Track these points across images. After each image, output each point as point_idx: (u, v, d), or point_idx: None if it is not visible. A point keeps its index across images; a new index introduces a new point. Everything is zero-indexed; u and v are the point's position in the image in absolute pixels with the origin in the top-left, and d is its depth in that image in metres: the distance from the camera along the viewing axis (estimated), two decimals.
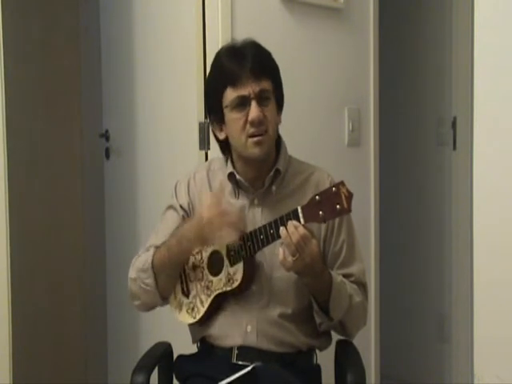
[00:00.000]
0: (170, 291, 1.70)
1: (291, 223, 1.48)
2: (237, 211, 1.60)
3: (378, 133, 2.76)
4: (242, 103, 1.61)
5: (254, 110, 1.60)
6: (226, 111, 1.64)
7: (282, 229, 1.49)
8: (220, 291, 1.63)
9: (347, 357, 1.73)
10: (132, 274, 1.71)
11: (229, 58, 1.64)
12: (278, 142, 1.72)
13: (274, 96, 1.66)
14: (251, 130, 1.61)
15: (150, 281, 1.66)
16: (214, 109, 1.68)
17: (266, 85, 1.62)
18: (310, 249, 1.49)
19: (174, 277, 1.69)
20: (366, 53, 2.69)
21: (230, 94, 1.61)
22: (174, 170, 2.33)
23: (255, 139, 1.62)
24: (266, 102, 1.63)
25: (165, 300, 1.71)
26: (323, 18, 2.54)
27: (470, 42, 2.71)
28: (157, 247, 1.69)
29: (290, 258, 1.49)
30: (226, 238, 1.58)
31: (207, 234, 1.58)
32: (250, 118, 1.60)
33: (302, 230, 1.47)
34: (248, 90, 1.60)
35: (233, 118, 1.63)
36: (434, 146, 3.22)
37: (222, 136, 1.69)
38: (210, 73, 1.73)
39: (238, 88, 1.60)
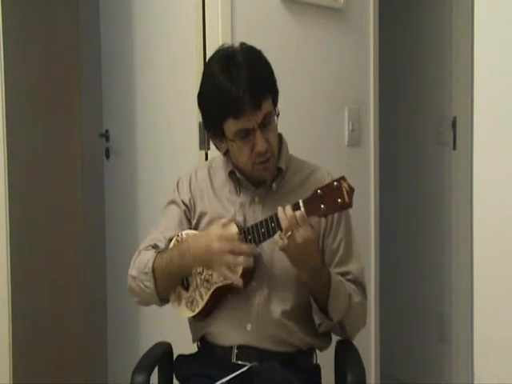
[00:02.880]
0: (169, 294, 1.70)
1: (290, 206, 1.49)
2: (248, 252, 1.53)
3: (377, 133, 2.76)
4: (246, 134, 1.58)
5: (260, 143, 1.57)
6: (229, 140, 1.61)
7: (280, 208, 1.49)
8: (220, 284, 1.62)
9: (347, 357, 1.73)
10: (132, 271, 1.70)
11: (225, 80, 1.55)
12: (280, 139, 1.71)
13: (274, 107, 1.62)
14: (259, 159, 1.61)
15: (150, 284, 1.66)
16: (212, 127, 1.65)
17: (267, 106, 1.58)
18: (305, 230, 1.48)
19: (173, 283, 1.69)
20: (366, 53, 2.70)
21: (233, 126, 1.57)
22: (174, 170, 2.32)
23: (263, 166, 1.63)
24: (269, 125, 1.59)
25: (163, 301, 1.71)
26: (323, 18, 2.54)
27: (470, 42, 2.71)
28: (159, 251, 1.68)
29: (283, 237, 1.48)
30: (231, 277, 1.56)
31: (213, 266, 1.57)
32: (256, 150, 1.58)
33: (300, 212, 1.47)
34: (252, 122, 1.55)
35: (237, 146, 1.61)
36: (434, 146, 3.22)
37: (223, 149, 1.68)
38: (204, 87, 1.64)
39: (241, 120, 1.55)
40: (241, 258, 1.51)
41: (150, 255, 1.68)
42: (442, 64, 3.15)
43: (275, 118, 1.63)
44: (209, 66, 1.64)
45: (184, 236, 1.69)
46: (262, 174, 1.66)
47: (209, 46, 2.21)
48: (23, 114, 2.58)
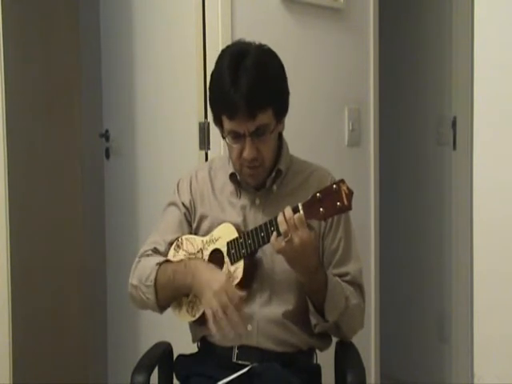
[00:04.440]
0: (169, 304, 1.69)
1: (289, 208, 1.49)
2: (234, 322, 1.49)
3: (377, 133, 2.77)
4: (238, 136, 1.58)
5: (247, 151, 1.57)
6: (224, 133, 1.62)
7: (280, 213, 1.49)
8: None
9: (347, 357, 1.72)
10: (133, 280, 1.70)
11: (228, 78, 1.53)
12: (280, 141, 1.71)
13: (275, 119, 1.59)
14: (246, 163, 1.61)
15: (151, 296, 1.65)
16: (213, 114, 1.64)
17: (264, 118, 1.55)
18: (302, 232, 1.47)
19: (175, 297, 1.67)
20: (366, 53, 2.70)
21: (226, 124, 1.58)
22: (174, 170, 2.32)
23: (249, 171, 1.63)
24: (263, 136, 1.58)
25: (163, 310, 1.71)
26: (323, 18, 2.54)
27: (470, 42, 2.70)
28: (161, 263, 1.66)
29: (281, 240, 1.48)
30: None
31: (201, 300, 1.55)
32: (243, 156, 1.59)
33: (298, 214, 1.47)
34: (243, 128, 1.55)
35: (229, 144, 1.62)
36: (434, 146, 3.22)
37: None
38: (212, 73, 1.62)
39: (233, 122, 1.55)
40: (226, 320, 1.48)
41: (151, 266, 1.66)
42: (442, 64, 3.15)
43: (274, 130, 1.60)
44: (222, 55, 1.62)
45: (184, 241, 1.69)
46: (247, 179, 1.66)
47: (209, 46, 2.22)
48: (23, 113, 2.58)
